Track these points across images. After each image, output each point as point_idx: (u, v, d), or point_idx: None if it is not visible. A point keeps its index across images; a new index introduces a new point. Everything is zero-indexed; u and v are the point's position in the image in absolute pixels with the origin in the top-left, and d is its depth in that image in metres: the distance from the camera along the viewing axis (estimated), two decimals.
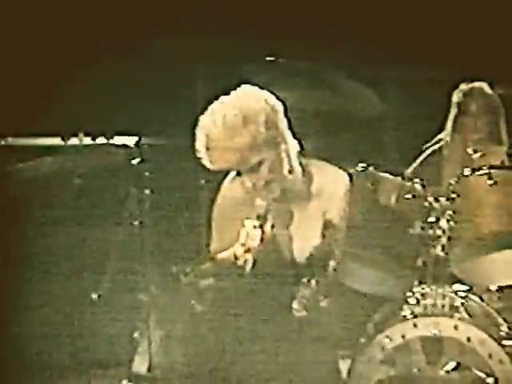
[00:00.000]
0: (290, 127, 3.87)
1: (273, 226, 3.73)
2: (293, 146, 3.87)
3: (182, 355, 4.00)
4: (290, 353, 3.82)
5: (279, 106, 3.82)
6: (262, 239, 3.68)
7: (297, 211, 3.92)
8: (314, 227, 3.90)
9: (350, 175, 3.97)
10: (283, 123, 3.83)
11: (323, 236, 3.88)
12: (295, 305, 3.84)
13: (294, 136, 3.89)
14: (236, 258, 3.68)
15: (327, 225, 3.88)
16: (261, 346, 3.79)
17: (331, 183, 3.95)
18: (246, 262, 3.65)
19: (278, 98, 3.84)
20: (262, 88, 3.84)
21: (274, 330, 3.81)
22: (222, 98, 3.81)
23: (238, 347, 3.81)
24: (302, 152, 3.93)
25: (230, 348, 3.82)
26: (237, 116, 3.70)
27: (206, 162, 3.75)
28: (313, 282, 3.85)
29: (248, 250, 3.65)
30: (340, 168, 4.06)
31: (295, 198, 3.89)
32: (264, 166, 3.76)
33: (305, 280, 3.84)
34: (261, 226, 3.69)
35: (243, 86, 3.85)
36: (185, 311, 4.02)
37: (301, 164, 3.91)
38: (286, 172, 3.83)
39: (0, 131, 5.10)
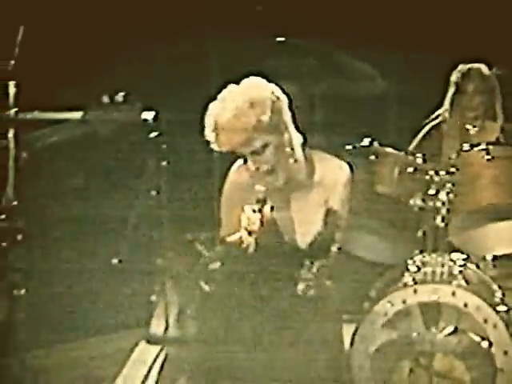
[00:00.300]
0: (295, 121, 3.83)
1: (272, 210, 3.70)
2: (296, 137, 3.83)
3: (195, 320, 3.97)
4: (295, 319, 3.79)
5: (284, 98, 3.78)
6: (262, 223, 3.62)
7: (298, 199, 3.87)
8: (316, 214, 3.83)
9: (351, 166, 3.90)
10: (287, 114, 3.79)
11: (325, 223, 3.84)
12: (300, 286, 3.81)
13: (298, 129, 3.85)
14: (241, 241, 3.65)
15: (329, 212, 3.82)
16: (265, 315, 3.76)
17: (333, 173, 3.87)
18: (249, 244, 3.63)
19: (283, 91, 3.79)
20: (268, 79, 3.81)
21: (278, 303, 3.77)
22: (231, 87, 3.77)
23: (244, 319, 3.77)
24: (305, 144, 3.88)
25: (237, 319, 3.79)
26: (244, 101, 3.66)
27: (213, 145, 3.72)
28: (316, 264, 3.81)
29: (250, 234, 3.61)
30: (341, 158, 4.02)
31: (297, 186, 3.85)
32: (268, 151, 3.71)
33: (308, 263, 3.81)
34: (260, 211, 3.64)
35: (251, 77, 3.80)
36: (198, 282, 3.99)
37: (304, 155, 3.87)
38: (289, 160, 3.79)
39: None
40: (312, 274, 3.77)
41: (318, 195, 3.82)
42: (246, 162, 3.75)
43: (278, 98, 3.72)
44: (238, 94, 3.69)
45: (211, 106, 3.72)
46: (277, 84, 3.77)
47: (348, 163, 3.87)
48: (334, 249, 3.81)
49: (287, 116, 3.76)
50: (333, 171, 3.85)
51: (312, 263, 3.77)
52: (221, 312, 3.84)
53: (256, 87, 3.73)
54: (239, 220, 3.64)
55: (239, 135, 3.64)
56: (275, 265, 3.73)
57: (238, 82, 3.77)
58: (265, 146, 3.68)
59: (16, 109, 3.93)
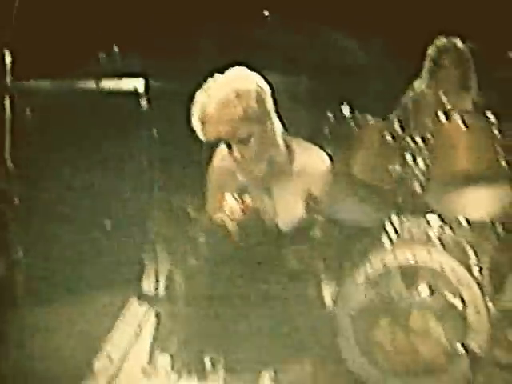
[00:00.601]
0: (277, 110, 3.79)
1: (253, 198, 3.65)
2: (278, 126, 3.77)
3: (184, 281, 3.91)
4: (278, 282, 3.74)
5: (267, 89, 3.74)
6: (243, 211, 3.60)
7: (279, 186, 3.82)
8: (297, 201, 3.79)
9: (330, 156, 3.87)
10: (270, 104, 3.74)
11: (306, 208, 3.78)
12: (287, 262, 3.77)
13: (280, 118, 3.79)
14: (225, 224, 3.63)
15: (310, 198, 3.77)
16: (249, 280, 3.72)
17: (313, 163, 3.83)
18: (234, 229, 3.63)
19: (266, 80, 3.75)
20: (252, 69, 3.75)
21: (262, 272, 3.73)
22: (217, 77, 3.71)
23: (230, 282, 3.73)
24: (285, 132, 3.84)
25: (224, 280, 3.75)
26: (230, 92, 3.62)
27: (199, 134, 3.66)
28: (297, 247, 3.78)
29: (232, 220, 3.60)
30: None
31: (278, 173, 3.80)
32: (253, 140, 3.66)
33: (289, 246, 3.77)
34: (241, 199, 3.62)
35: (236, 67, 3.74)
36: (188, 243, 3.93)
37: (285, 143, 3.80)
38: (271, 148, 3.74)
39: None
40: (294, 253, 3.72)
41: (298, 183, 3.77)
42: (229, 147, 3.68)
43: (261, 89, 3.66)
44: (224, 84, 3.63)
45: (197, 95, 3.66)
46: (260, 73, 3.72)
47: (327, 153, 3.84)
48: (314, 233, 3.78)
49: (270, 106, 3.70)
50: (313, 161, 3.80)
51: (296, 247, 3.73)
52: (208, 276, 3.78)
53: (241, 78, 3.66)
54: (222, 204, 3.61)
55: (225, 125, 3.59)
56: (258, 246, 3.69)
57: (224, 69, 3.72)
58: (249, 135, 3.62)
59: (11, 77, 3.81)
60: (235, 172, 3.73)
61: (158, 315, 3.84)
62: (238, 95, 3.60)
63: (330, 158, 3.93)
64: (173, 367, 3.76)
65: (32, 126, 4.92)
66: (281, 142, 3.76)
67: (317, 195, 3.75)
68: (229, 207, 3.59)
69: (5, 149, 3.75)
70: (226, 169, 3.78)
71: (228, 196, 3.61)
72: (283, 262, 3.74)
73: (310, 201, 3.74)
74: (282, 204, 3.78)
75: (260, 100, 3.65)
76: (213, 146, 3.82)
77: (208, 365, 3.72)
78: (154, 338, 3.80)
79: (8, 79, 3.83)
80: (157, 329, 3.83)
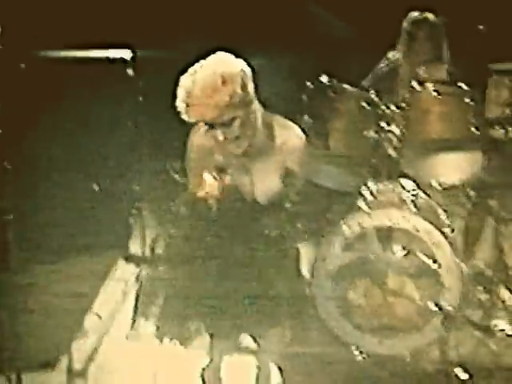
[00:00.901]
0: (256, 91, 3.64)
1: (231, 176, 3.58)
2: (259, 107, 3.65)
3: (169, 241, 3.83)
4: (258, 243, 3.66)
5: (249, 72, 3.61)
6: (222, 188, 3.52)
7: (258, 162, 3.71)
8: (274, 175, 3.70)
9: (304, 131, 3.75)
10: (251, 87, 3.60)
11: (283, 182, 3.70)
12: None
13: (259, 99, 3.66)
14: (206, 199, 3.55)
15: (287, 173, 3.70)
16: (230, 245, 3.64)
17: (290, 138, 3.70)
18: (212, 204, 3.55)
19: (248, 64, 3.61)
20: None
21: (242, 236, 3.65)
22: (201, 62, 3.56)
23: (211, 246, 3.63)
24: (265, 111, 3.70)
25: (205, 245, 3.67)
26: (216, 77, 3.48)
27: (183, 116, 3.53)
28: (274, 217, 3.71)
29: (211, 197, 3.52)
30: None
31: (258, 151, 3.68)
32: (236, 122, 3.54)
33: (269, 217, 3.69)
34: (220, 177, 3.53)
35: (219, 52, 3.60)
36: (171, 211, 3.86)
37: (265, 121, 3.69)
38: (252, 129, 3.61)
39: None
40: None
41: (276, 158, 3.66)
42: (211, 127, 3.56)
43: (244, 73, 3.54)
44: (209, 70, 3.49)
45: (182, 79, 3.52)
46: (242, 57, 3.58)
47: (302, 129, 3.73)
48: (288, 205, 3.69)
49: (251, 88, 3.58)
50: (290, 137, 3.69)
51: (273, 217, 3.65)
52: (189, 241, 3.69)
53: (226, 63, 3.53)
54: (202, 181, 3.52)
55: (211, 110, 3.46)
56: (236, 218, 3.61)
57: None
58: (233, 118, 3.51)
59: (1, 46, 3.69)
60: (214, 151, 3.62)
61: (140, 279, 3.74)
62: (224, 81, 3.47)
63: (305, 133, 3.80)
64: (156, 331, 3.67)
65: (22, 92, 4.80)
66: (260, 122, 3.65)
67: (293, 169, 3.68)
68: (208, 185, 3.50)
69: None
70: (205, 147, 3.65)
71: (206, 175, 3.52)
72: (261, 228, 3.65)
73: (287, 175, 3.68)
74: (260, 179, 3.68)
75: (244, 85, 3.53)
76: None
77: (190, 329, 3.65)
78: (137, 303, 3.69)
79: None
80: (140, 293, 3.72)
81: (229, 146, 3.58)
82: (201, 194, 3.53)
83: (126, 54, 5.51)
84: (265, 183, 3.68)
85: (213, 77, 3.47)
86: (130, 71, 5.41)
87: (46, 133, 5.56)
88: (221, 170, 3.53)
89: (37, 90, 5.33)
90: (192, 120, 3.54)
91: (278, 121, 3.72)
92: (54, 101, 5.50)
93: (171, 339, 3.65)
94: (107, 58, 5.50)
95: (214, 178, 3.49)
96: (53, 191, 5.51)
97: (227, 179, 3.53)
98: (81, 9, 5.88)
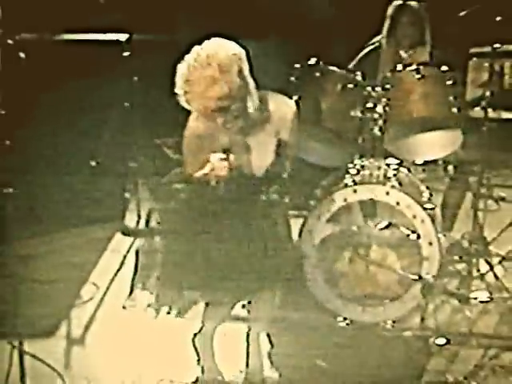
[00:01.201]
0: (251, 70, 3.63)
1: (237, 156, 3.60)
2: (253, 85, 3.62)
3: (163, 215, 3.80)
4: (251, 218, 3.66)
5: (243, 54, 3.58)
6: (229, 168, 3.52)
7: (254, 137, 3.71)
8: (269, 147, 3.70)
9: (297, 102, 3.82)
10: (247, 68, 3.59)
11: (277, 153, 3.69)
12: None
13: (253, 76, 3.64)
14: (207, 179, 3.52)
15: (280, 143, 3.70)
16: (225, 217, 3.64)
17: (282, 109, 3.72)
18: (217, 184, 3.52)
19: (241, 46, 3.60)
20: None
21: (238, 209, 3.64)
22: (197, 49, 3.52)
23: (206, 218, 3.63)
24: (258, 87, 3.68)
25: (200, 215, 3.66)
26: (213, 69, 3.45)
27: (183, 104, 3.54)
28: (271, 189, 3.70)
29: (218, 178, 3.51)
30: None
31: (254, 126, 3.68)
32: (234, 107, 3.54)
33: (264, 188, 3.69)
34: (227, 158, 3.52)
35: (213, 38, 3.56)
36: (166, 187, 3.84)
37: (259, 98, 3.67)
38: (248, 106, 3.61)
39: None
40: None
41: (270, 130, 3.67)
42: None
43: (239, 58, 3.51)
44: (206, 61, 3.46)
45: (179, 67, 3.51)
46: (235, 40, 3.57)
47: (295, 101, 3.81)
48: (285, 175, 3.70)
49: (247, 70, 3.56)
50: (282, 107, 3.70)
51: (268, 189, 3.66)
52: (184, 208, 3.69)
53: (221, 50, 3.49)
54: (201, 163, 3.50)
55: (211, 101, 3.46)
56: (235, 193, 3.60)
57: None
58: (231, 104, 3.50)
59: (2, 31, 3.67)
60: (215, 133, 3.60)
61: (137, 252, 3.71)
62: (222, 71, 3.45)
63: (297, 103, 3.85)
64: (153, 302, 3.67)
65: (22, 74, 4.77)
66: (256, 99, 3.63)
67: (286, 139, 3.67)
68: (216, 167, 3.48)
69: None
70: (203, 131, 3.63)
71: (213, 156, 3.50)
72: (258, 200, 3.65)
73: (280, 145, 3.67)
74: (257, 154, 3.68)
75: (240, 70, 3.51)
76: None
77: (186, 299, 3.66)
78: (135, 274, 3.67)
79: None
80: (137, 265, 3.70)
81: (227, 128, 3.57)
82: (200, 175, 3.53)
83: (122, 36, 5.52)
84: (261, 157, 3.67)
85: (210, 69, 3.44)
86: (125, 53, 5.41)
87: (46, 111, 5.52)
88: (227, 150, 3.53)
89: (36, 72, 5.26)
90: (191, 108, 3.54)
91: (271, 95, 3.71)
92: (53, 81, 5.46)
93: (169, 311, 3.66)
94: (104, 41, 5.51)
95: (223, 159, 3.48)
96: (52, 167, 5.52)
97: (233, 158, 3.52)
98: None
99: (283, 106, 3.72)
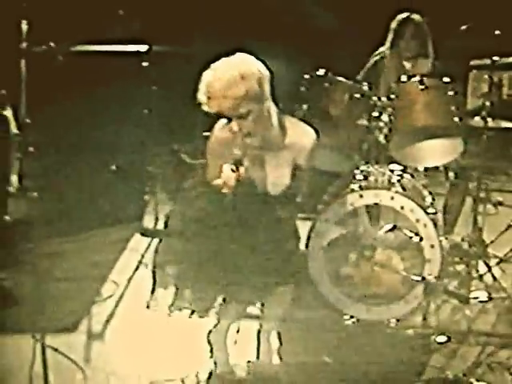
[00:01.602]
0: (273, 93, 3.64)
1: (247, 168, 3.56)
2: (273, 107, 3.65)
3: (180, 217, 3.77)
4: (260, 221, 3.65)
5: (267, 74, 3.60)
6: (237, 180, 3.50)
7: (271, 157, 3.70)
8: (285, 170, 3.68)
9: (317, 131, 3.72)
10: (268, 88, 3.60)
11: (293, 177, 3.68)
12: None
13: (274, 100, 3.65)
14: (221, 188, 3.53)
15: (296, 168, 3.68)
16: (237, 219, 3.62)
17: (301, 136, 3.70)
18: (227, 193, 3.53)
19: (267, 67, 3.61)
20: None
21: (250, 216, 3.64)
22: (223, 59, 3.55)
23: (220, 222, 3.62)
24: (279, 111, 3.69)
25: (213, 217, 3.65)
26: (235, 74, 3.48)
27: (205, 107, 3.53)
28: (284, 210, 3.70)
29: (227, 187, 3.50)
30: None
31: (271, 146, 3.67)
32: (251, 116, 3.54)
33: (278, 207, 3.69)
34: (237, 169, 3.50)
35: (241, 53, 3.58)
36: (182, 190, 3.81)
37: (279, 121, 3.68)
38: (266, 125, 3.61)
39: None
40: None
41: (288, 155, 3.65)
42: (229, 120, 3.56)
43: (262, 74, 3.53)
44: (231, 67, 3.49)
45: (205, 74, 3.51)
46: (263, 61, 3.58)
47: (314, 129, 3.71)
48: (299, 199, 3.69)
49: (267, 89, 3.57)
50: (301, 135, 3.68)
51: (281, 208, 3.65)
52: (202, 212, 3.65)
53: (246, 63, 3.52)
54: (220, 170, 3.50)
55: (229, 102, 3.46)
56: (249, 205, 3.60)
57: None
58: (248, 112, 3.50)
59: (27, 43, 3.67)
60: (232, 145, 3.58)
61: (155, 251, 3.68)
62: (243, 77, 3.47)
63: (316, 132, 3.76)
64: (174, 301, 3.63)
65: (46, 84, 4.75)
66: (275, 121, 3.64)
67: (303, 166, 3.66)
68: (226, 177, 3.47)
69: (21, 103, 3.61)
70: (224, 140, 3.63)
71: (225, 167, 3.50)
72: (271, 215, 3.64)
73: (297, 170, 3.65)
74: (273, 172, 3.66)
75: (260, 83, 3.52)
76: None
77: (207, 299, 3.63)
78: (155, 274, 3.64)
79: (24, 44, 3.68)
80: (157, 264, 3.67)
81: (244, 140, 3.57)
82: (217, 183, 3.51)
83: (142, 48, 5.52)
84: (276, 176, 3.66)
85: (232, 73, 3.47)
86: (145, 63, 5.41)
87: (68, 119, 5.55)
88: (238, 163, 3.50)
89: (59, 82, 5.28)
90: (212, 111, 3.53)
91: (291, 121, 3.72)
92: (75, 90, 5.50)
93: (191, 313, 3.63)
94: (125, 52, 5.50)
95: (232, 170, 3.47)
96: (75, 171, 5.50)
97: (242, 171, 3.50)
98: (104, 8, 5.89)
99: (303, 135, 3.70)
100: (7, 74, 3.88)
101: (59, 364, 3.88)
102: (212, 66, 3.54)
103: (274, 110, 3.63)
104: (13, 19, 3.71)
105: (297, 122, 3.76)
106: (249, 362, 3.99)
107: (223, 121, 3.64)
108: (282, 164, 3.65)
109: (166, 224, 3.77)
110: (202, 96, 3.52)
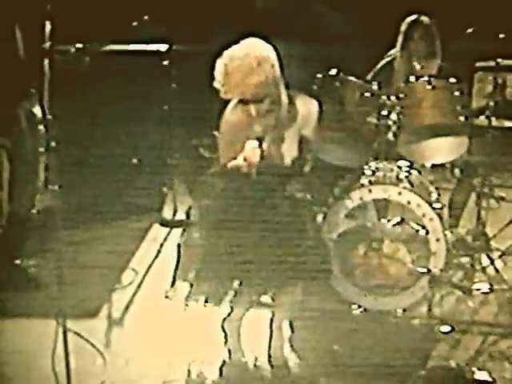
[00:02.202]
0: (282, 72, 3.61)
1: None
2: (283, 86, 3.57)
3: (198, 207, 3.69)
4: (281, 215, 3.56)
5: (275, 57, 3.52)
6: (261, 155, 3.43)
7: (284, 132, 3.61)
8: (294, 143, 3.61)
9: (320, 102, 3.69)
10: (278, 68, 3.53)
11: (300, 148, 3.61)
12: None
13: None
14: (239, 167, 3.43)
15: (303, 139, 3.62)
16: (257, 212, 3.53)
17: (307, 108, 3.65)
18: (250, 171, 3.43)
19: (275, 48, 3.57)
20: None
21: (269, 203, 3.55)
22: (234, 46, 3.47)
23: (239, 209, 3.52)
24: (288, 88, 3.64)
25: (234, 207, 3.54)
26: (251, 60, 3.41)
27: (221, 94, 3.47)
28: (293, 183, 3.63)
29: (250, 164, 3.40)
30: None
31: (284, 122, 3.60)
32: (267, 99, 3.48)
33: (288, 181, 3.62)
34: (260, 146, 3.43)
35: (250, 38, 3.51)
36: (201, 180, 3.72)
37: (288, 98, 3.61)
38: (280, 104, 3.55)
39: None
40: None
41: (295, 126, 3.58)
42: (244, 103, 3.47)
43: (273, 56, 3.46)
44: (244, 53, 3.41)
45: (218, 62, 3.43)
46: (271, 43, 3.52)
47: (318, 100, 3.67)
48: (307, 168, 3.64)
49: (278, 71, 3.50)
50: (307, 106, 3.62)
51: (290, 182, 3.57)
52: (220, 204, 3.59)
53: (259, 47, 3.45)
54: (235, 152, 3.40)
55: (248, 89, 3.41)
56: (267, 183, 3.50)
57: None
58: (266, 96, 3.44)
59: (50, 42, 3.56)
60: (249, 124, 3.49)
61: (175, 242, 3.59)
62: (259, 63, 3.40)
63: (319, 104, 3.71)
64: (192, 291, 3.57)
65: (69, 82, 4.68)
66: (286, 99, 3.56)
67: (309, 136, 3.61)
68: (249, 152, 3.38)
69: (45, 103, 3.55)
70: (238, 122, 3.52)
71: (249, 143, 3.41)
72: (286, 192, 3.57)
73: (303, 142, 3.60)
74: (287, 147, 3.57)
75: (274, 67, 3.47)
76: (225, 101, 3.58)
77: (223, 289, 3.57)
78: (177, 265, 3.55)
79: (48, 44, 3.56)
80: (178, 255, 3.57)
81: (261, 120, 3.48)
82: (234, 164, 3.43)
83: (163, 47, 5.50)
84: (288, 150, 3.56)
85: (248, 59, 3.39)
86: (165, 62, 5.38)
87: (91, 115, 5.46)
88: (261, 139, 3.43)
89: (83, 79, 5.27)
90: (229, 97, 3.46)
91: (298, 95, 3.64)
92: (98, 87, 5.40)
93: (206, 301, 3.56)
94: (146, 51, 5.51)
95: (255, 147, 3.38)
96: (97, 165, 5.38)
97: (265, 146, 3.43)
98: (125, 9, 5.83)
99: (308, 105, 3.64)
100: (36, 73, 3.77)
101: (80, 348, 3.81)
102: (225, 53, 3.45)
103: (284, 89, 3.55)
104: (40, 20, 3.62)
105: (303, 95, 3.68)
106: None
107: (233, 102, 3.54)
108: (291, 137, 3.57)
109: (188, 215, 3.71)
110: (218, 84, 3.44)
